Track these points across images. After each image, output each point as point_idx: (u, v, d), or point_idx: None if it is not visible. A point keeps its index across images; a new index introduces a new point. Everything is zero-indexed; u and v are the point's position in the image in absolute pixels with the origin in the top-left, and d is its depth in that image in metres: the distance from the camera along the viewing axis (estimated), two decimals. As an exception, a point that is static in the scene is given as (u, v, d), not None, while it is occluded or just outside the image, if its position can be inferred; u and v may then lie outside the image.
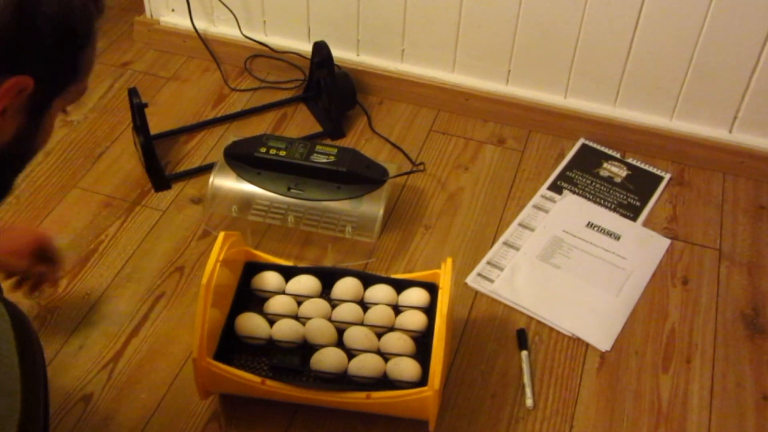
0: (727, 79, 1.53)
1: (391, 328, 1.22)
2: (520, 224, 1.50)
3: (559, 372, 1.27)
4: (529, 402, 1.22)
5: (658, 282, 1.41)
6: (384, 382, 1.15)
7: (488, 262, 1.43)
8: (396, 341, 1.19)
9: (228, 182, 1.46)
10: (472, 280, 1.39)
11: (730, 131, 1.61)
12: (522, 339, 1.30)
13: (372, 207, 1.44)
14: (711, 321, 1.35)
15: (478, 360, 1.28)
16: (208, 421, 1.19)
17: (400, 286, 1.28)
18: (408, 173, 1.59)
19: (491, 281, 1.39)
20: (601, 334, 1.32)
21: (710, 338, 1.33)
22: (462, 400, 1.22)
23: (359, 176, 1.41)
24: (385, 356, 1.18)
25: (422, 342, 1.20)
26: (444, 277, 1.16)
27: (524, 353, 1.28)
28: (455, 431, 1.18)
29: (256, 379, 1.13)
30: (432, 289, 1.25)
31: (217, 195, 1.47)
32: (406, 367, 1.15)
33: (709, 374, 1.27)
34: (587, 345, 1.31)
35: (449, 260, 1.19)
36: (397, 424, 1.19)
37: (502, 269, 1.41)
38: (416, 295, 1.26)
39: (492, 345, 1.30)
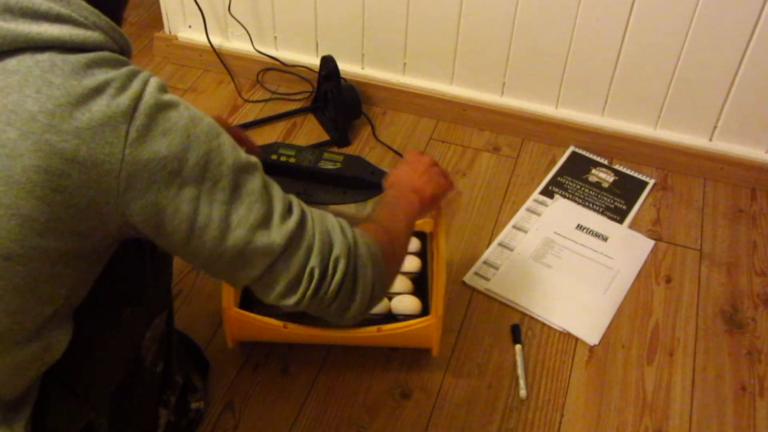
0: (707, 91, 1.53)
1: None
2: (514, 226, 1.50)
3: (550, 364, 1.27)
4: (522, 392, 1.22)
5: (643, 280, 1.41)
6: (390, 316, 1.23)
7: (484, 262, 1.43)
8: (397, 282, 1.26)
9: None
10: (469, 278, 1.40)
11: (711, 139, 1.61)
12: (516, 334, 1.31)
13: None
14: (692, 317, 1.35)
15: (475, 353, 1.28)
16: (222, 410, 1.19)
17: None
18: None
19: (487, 280, 1.40)
20: (589, 329, 1.32)
21: (692, 333, 1.33)
22: (460, 391, 1.23)
23: (364, 181, 1.41)
24: (389, 295, 1.25)
25: (418, 281, 1.28)
26: (437, 222, 1.23)
27: (518, 347, 1.28)
28: (454, 420, 1.19)
29: (279, 323, 1.17)
30: (422, 236, 1.34)
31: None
32: (408, 303, 1.23)
33: (691, 366, 1.28)
34: (577, 339, 1.31)
35: (439, 207, 1.25)
36: (398, 415, 1.19)
37: (497, 268, 1.42)
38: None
39: (488, 339, 1.31)
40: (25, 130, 0.66)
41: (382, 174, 1.43)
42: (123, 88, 0.69)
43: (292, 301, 0.81)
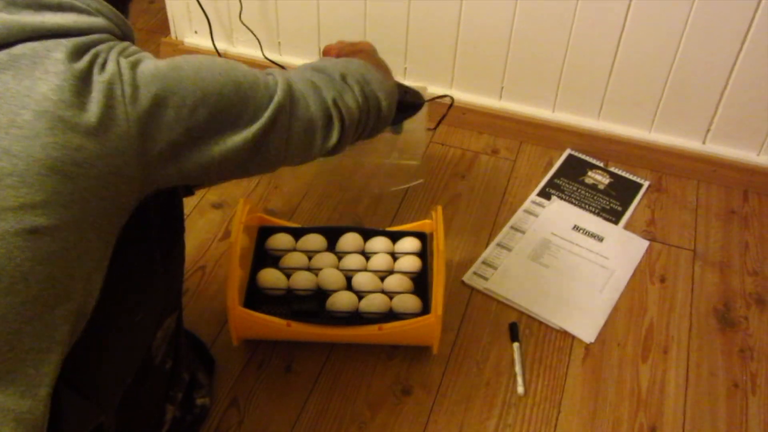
0: (700, 95, 1.54)
1: (392, 272, 1.29)
2: (512, 227, 1.51)
3: (547, 362, 1.28)
4: (520, 389, 1.23)
5: (637, 280, 1.42)
6: (391, 315, 1.22)
7: (483, 262, 1.43)
8: (397, 281, 1.27)
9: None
10: (468, 278, 1.40)
11: (704, 142, 1.61)
12: (514, 332, 1.31)
13: (415, 130, 1.43)
14: (686, 315, 1.36)
15: (474, 351, 1.29)
16: (227, 407, 1.20)
17: (394, 236, 1.35)
18: (439, 98, 1.59)
19: (486, 279, 1.40)
20: (586, 328, 1.33)
21: (685, 331, 1.33)
22: (459, 388, 1.23)
23: (399, 103, 1.24)
24: (390, 294, 1.25)
25: (419, 281, 1.28)
26: (437, 222, 1.24)
27: (516, 345, 1.29)
28: (453, 416, 1.19)
29: (282, 322, 1.17)
30: (422, 237, 1.34)
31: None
32: (408, 302, 1.23)
33: (685, 364, 1.28)
34: (573, 337, 1.31)
35: (439, 208, 1.26)
36: (399, 411, 1.19)
37: (496, 268, 1.42)
38: (410, 243, 1.33)
39: (486, 337, 1.31)
40: (39, 110, 0.68)
41: (415, 93, 1.36)
42: (107, 58, 0.73)
43: (334, 138, 0.92)
